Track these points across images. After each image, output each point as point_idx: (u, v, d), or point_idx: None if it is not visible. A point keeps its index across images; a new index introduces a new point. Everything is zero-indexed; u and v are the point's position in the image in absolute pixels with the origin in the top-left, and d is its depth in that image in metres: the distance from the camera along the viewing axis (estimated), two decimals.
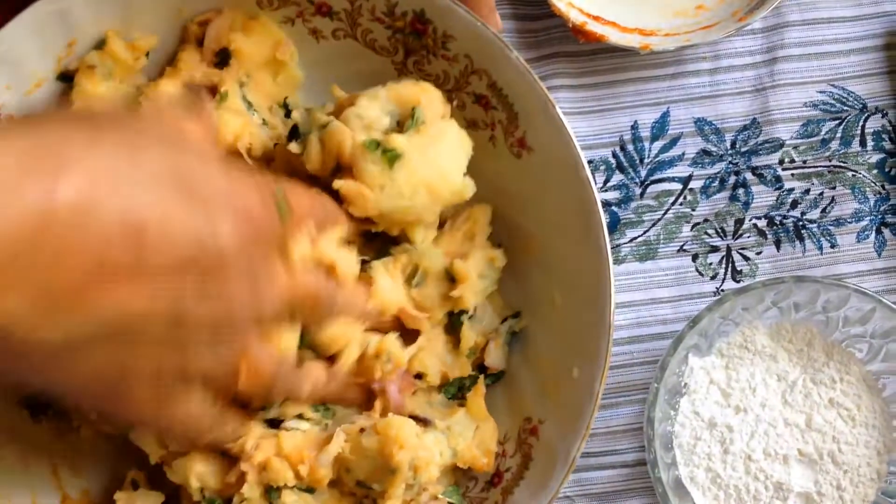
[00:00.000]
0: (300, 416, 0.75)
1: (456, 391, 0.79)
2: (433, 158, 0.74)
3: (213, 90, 0.75)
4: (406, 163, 0.71)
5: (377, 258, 0.75)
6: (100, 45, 0.76)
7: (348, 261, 0.70)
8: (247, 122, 0.75)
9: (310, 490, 0.75)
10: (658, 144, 0.87)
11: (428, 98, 0.75)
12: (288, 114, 0.80)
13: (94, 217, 0.48)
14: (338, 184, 0.70)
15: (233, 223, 0.56)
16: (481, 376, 0.79)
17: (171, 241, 0.52)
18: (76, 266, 0.48)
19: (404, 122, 0.75)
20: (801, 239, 0.86)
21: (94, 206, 0.48)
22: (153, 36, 0.77)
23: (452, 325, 0.78)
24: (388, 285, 0.75)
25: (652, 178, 0.87)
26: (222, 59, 0.77)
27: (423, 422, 0.76)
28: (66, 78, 0.76)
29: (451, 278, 0.77)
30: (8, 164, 0.46)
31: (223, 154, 0.64)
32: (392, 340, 0.74)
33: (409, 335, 0.76)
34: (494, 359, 0.79)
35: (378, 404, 0.75)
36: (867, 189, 0.87)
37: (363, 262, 0.75)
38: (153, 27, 0.77)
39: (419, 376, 0.77)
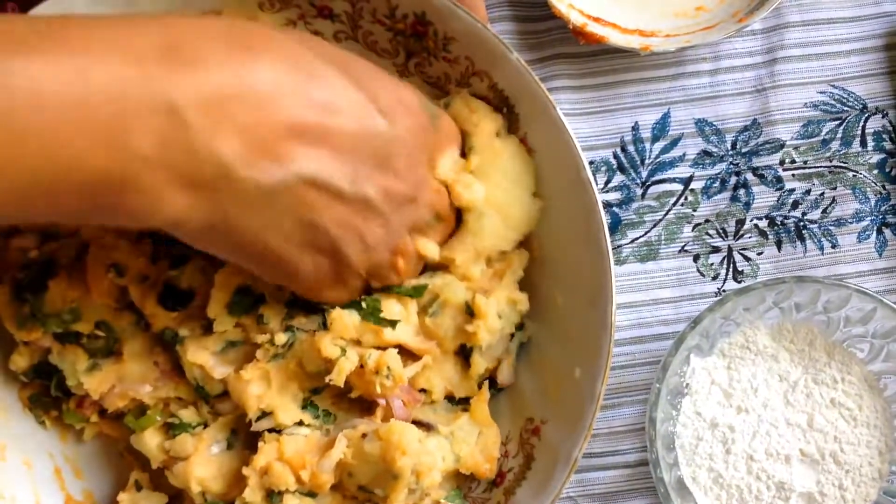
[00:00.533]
0: (301, 423, 0.75)
1: (457, 399, 0.79)
2: (496, 185, 0.75)
3: None
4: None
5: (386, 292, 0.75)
6: None
7: (466, 183, 0.73)
8: None
9: (311, 494, 0.75)
10: (659, 145, 0.87)
11: (476, 119, 0.76)
12: None
13: (288, 89, 0.57)
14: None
15: (403, 116, 0.63)
16: (486, 383, 0.79)
17: (355, 119, 0.59)
18: (277, 123, 0.56)
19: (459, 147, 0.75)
20: (802, 239, 0.86)
21: (288, 82, 0.57)
22: None
23: (463, 350, 0.78)
24: (398, 311, 0.74)
25: (653, 178, 0.87)
26: None
27: (425, 427, 0.75)
28: None
29: (469, 312, 0.76)
30: (217, 36, 0.56)
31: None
32: (392, 355, 0.72)
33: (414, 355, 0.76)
34: (506, 377, 0.79)
35: (380, 410, 0.75)
36: (868, 189, 0.87)
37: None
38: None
39: (423, 391, 0.77)
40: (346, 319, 0.72)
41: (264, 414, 0.73)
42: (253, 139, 0.55)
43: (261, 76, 0.56)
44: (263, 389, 0.73)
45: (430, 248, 0.73)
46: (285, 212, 0.59)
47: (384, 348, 0.74)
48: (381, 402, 0.74)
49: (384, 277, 0.71)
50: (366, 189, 0.62)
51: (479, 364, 0.77)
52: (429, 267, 0.77)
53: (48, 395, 0.78)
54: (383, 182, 0.63)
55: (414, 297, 0.75)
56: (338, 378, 0.71)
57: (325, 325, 0.73)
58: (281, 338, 0.72)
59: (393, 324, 0.73)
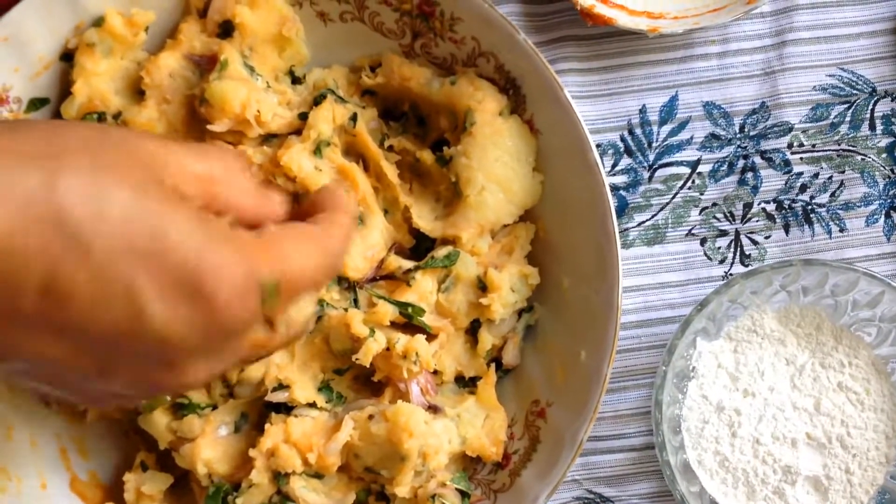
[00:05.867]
0: (311, 405, 0.75)
1: (467, 379, 0.79)
2: (496, 160, 0.75)
3: (214, 60, 0.75)
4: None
5: (421, 266, 0.76)
6: (98, 22, 0.75)
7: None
8: (252, 87, 0.75)
9: (318, 476, 0.75)
10: (666, 128, 0.87)
11: (480, 96, 0.76)
12: (295, 81, 0.80)
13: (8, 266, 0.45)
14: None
15: (185, 312, 0.48)
16: (493, 366, 0.79)
17: (97, 316, 0.47)
18: None
19: (460, 123, 0.76)
20: (810, 223, 0.86)
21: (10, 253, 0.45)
22: (151, 11, 0.77)
23: (473, 327, 0.78)
24: (429, 288, 0.76)
25: (660, 161, 0.86)
26: (225, 30, 0.77)
27: (432, 409, 0.76)
28: (68, 57, 0.76)
29: (482, 287, 0.77)
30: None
31: (218, 204, 0.53)
32: (420, 341, 0.73)
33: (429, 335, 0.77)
34: (512, 357, 0.79)
35: (388, 391, 0.75)
36: (876, 173, 0.86)
37: (407, 271, 0.75)
38: (158, 4, 0.77)
39: (435, 373, 0.77)
40: (384, 309, 0.74)
41: (281, 386, 0.74)
42: None
43: None
44: (286, 361, 0.74)
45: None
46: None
47: (400, 326, 0.75)
48: (401, 385, 0.75)
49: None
50: (110, 376, 0.50)
51: (487, 340, 0.77)
52: (436, 243, 0.78)
53: None
54: (130, 375, 0.51)
55: (445, 267, 0.76)
56: (364, 358, 0.72)
57: (356, 304, 0.74)
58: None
59: (422, 312, 0.75)
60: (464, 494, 0.77)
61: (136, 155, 0.50)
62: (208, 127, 0.74)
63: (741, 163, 0.86)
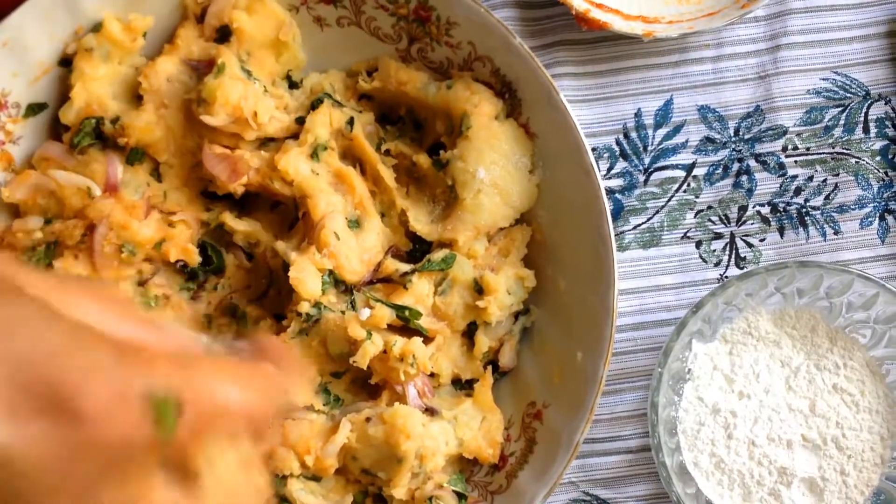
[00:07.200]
0: (309, 408, 0.75)
1: (463, 382, 0.80)
2: (492, 164, 0.76)
3: (211, 65, 0.75)
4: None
5: (418, 269, 0.77)
6: (97, 27, 0.76)
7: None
8: (248, 87, 0.75)
9: (316, 479, 0.75)
10: (661, 132, 0.87)
11: (477, 100, 0.76)
12: (292, 85, 0.80)
13: None
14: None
15: (39, 428, 0.37)
16: (489, 368, 0.79)
17: None
18: None
19: (456, 127, 0.76)
20: (805, 226, 0.86)
21: None
22: (149, 17, 0.77)
23: (469, 329, 0.79)
24: (426, 290, 0.76)
25: (655, 165, 0.87)
26: (222, 35, 0.77)
27: (429, 411, 0.76)
28: (66, 62, 0.77)
29: (478, 290, 0.77)
30: None
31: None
32: (417, 344, 0.74)
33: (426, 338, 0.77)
34: (508, 359, 0.79)
35: (385, 394, 0.76)
36: (870, 176, 0.87)
37: (404, 274, 0.76)
38: (157, 9, 0.78)
39: (431, 375, 0.77)
40: (382, 312, 0.74)
41: None
42: None
43: None
44: None
45: None
46: None
47: (397, 329, 0.75)
48: (398, 388, 0.75)
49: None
50: None
51: (483, 342, 0.78)
52: (433, 246, 0.78)
53: None
54: None
55: (442, 270, 0.76)
56: (361, 360, 0.72)
57: (353, 307, 0.74)
58: (305, 306, 0.72)
59: (419, 314, 0.75)
60: (460, 496, 0.77)
61: None
62: (205, 119, 0.74)
63: (736, 166, 0.87)
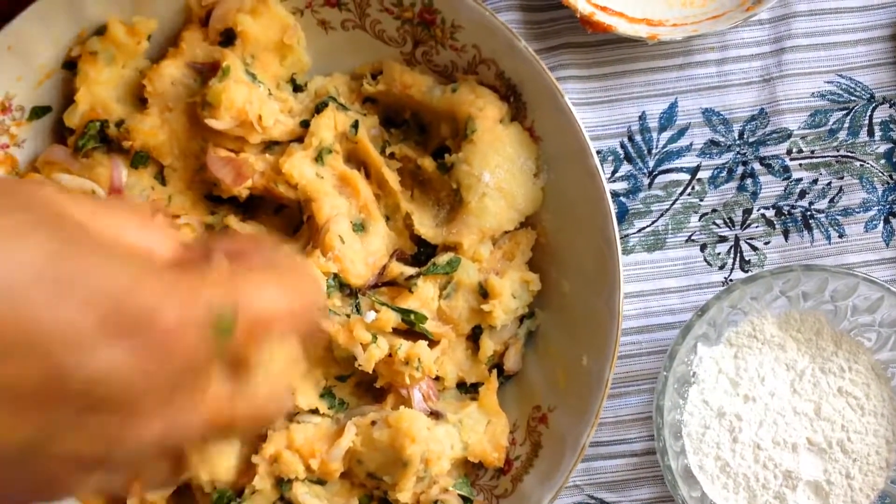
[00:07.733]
0: (314, 411, 0.75)
1: (468, 385, 0.80)
2: (497, 167, 0.76)
3: (215, 68, 0.75)
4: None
5: (423, 272, 0.77)
6: (101, 30, 0.76)
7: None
8: (253, 90, 0.75)
9: (321, 482, 0.75)
10: (666, 135, 0.87)
11: (481, 104, 0.76)
12: (296, 89, 0.80)
13: None
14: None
15: (125, 349, 0.42)
16: (494, 371, 0.79)
17: (19, 365, 0.40)
18: None
19: (461, 131, 0.76)
20: (810, 229, 0.86)
21: None
22: (153, 20, 0.77)
23: (474, 333, 0.79)
24: (431, 294, 0.76)
25: (660, 168, 0.87)
26: (227, 38, 0.77)
27: (434, 415, 0.76)
28: (70, 66, 0.77)
29: (483, 293, 0.77)
30: None
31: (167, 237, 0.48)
32: (423, 347, 0.74)
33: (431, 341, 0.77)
34: (513, 363, 0.79)
35: (390, 398, 0.76)
36: (875, 179, 0.87)
37: (409, 278, 0.76)
38: (161, 12, 0.78)
39: (437, 379, 0.77)
40: (387, 315, 0.74)
41: None
42: None
43: None
44: None
45: None
46: None
47: (402, 332, 0.75)
48: (403, 391, 0.75)
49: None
50: (43, 452, 0.42)
51: (488, 346, 0.77)
52: (438, 250, 0.78)
53: None
54: (72, 441, 0.43)
55: (447, 273, 0.76)
56: (367, 364, 0.72)
57: (358, 310, 0.74)
58: None
59: (424, 318, 0.75)
60: (466, 500, 0.77)
61: (32, 202, 0.44)
62: (210, 123, 0.74)
63: (740, 169, 0.87)
